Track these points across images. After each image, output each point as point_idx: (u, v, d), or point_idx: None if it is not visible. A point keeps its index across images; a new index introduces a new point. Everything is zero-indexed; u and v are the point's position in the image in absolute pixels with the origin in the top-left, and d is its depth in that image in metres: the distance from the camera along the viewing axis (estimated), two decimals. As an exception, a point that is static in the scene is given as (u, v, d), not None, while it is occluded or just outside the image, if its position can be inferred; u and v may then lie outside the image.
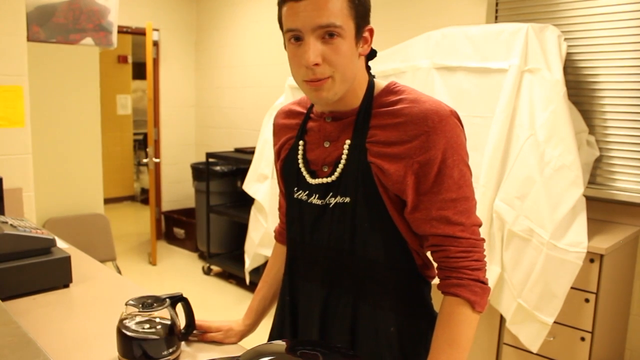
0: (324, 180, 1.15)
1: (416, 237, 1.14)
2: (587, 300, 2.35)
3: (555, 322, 2.32)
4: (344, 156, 1.13)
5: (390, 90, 1.15)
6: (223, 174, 4.78)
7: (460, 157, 1.07)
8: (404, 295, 1.17)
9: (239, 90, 5.32)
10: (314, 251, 1.20)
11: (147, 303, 1.15)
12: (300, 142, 1.22)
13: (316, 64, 1.03)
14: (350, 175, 1.12)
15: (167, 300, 1.18)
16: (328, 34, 1.02)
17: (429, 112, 1.05)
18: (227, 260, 4.72)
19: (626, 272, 2.65)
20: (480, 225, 1.11)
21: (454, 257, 1.07)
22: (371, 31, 1.11)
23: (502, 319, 2.60)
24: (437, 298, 1.16)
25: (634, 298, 2.74)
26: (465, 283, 1.07)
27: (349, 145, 1.13)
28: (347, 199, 1.12)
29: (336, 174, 1.13)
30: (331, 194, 1.14)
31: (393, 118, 1.09)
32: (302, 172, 1.20)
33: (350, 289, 1.16)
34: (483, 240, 1.11)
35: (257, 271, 4.02)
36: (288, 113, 1.32)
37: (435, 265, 1.14)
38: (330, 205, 1.15)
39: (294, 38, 1.05)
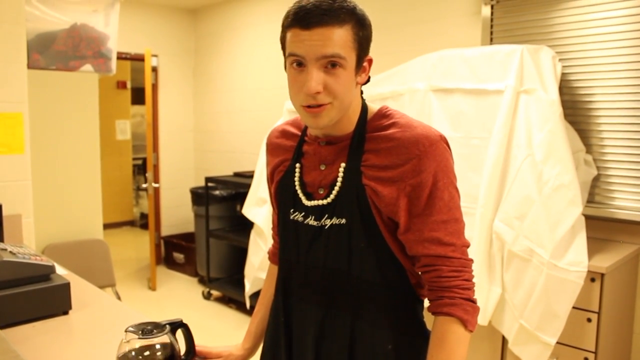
0: (320, 202, 1.17)
1: (408, 258, 1.16)
2: (589, 320, 2.34)
3: (558, 342, 2.30)
4: (339, 179, 1.15)
5: (382, 114, 1.18)
6: (222, 198, 4.78)
7: (450, 180, 1.10)
8: (399, 314, 1.18)
9: (237, 114, 5.35)
10: (310, 272, 1.21)
11: (147, 329, 1.15)
12: (297, 165, 1.24)
13: (317, 92, 1.06)
14: (345, 198, 1.14)
15: (167, 326, 1.18)
16: (331, 64, 1.05)
17: (420, 137, 1.09)
18: (227, 284, 4.69)
19: (628, 291, 2.64)
20: (469, 246, 1.14)
21: (445, 276, 1.10)
22: (370, 61, 1.14)
23: (504, 340, 2.58)
24: (428, 317, 1.17)
25: (636, 316, 2.73)
26: (457, 302, 1.09)
27: (344, 168, 1.15)
28: (343, 220, 1.14)
29: (332, 196, 1.16)
30: (327, 215, 1.16)
31: (386, 142, 1.12)
32: (298, 194, 1.22)
33: (347, 308, 1.17)
34: (472, 260, 1.14)
35: (257, 295, 3.99)
36: (283, 133, 1.33)
37: (426, 286, 1.15)
38: (326, 227, 1.17)
39: (297, 63, 1.07)
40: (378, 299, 1.16)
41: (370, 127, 1.16)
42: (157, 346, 1.15)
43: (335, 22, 1.04)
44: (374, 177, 1.11)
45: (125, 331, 1.14)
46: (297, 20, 1.05)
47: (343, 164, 1.15)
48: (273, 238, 1.44)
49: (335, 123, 1.13)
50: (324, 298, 1.20)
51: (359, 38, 1.08)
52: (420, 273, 1.17)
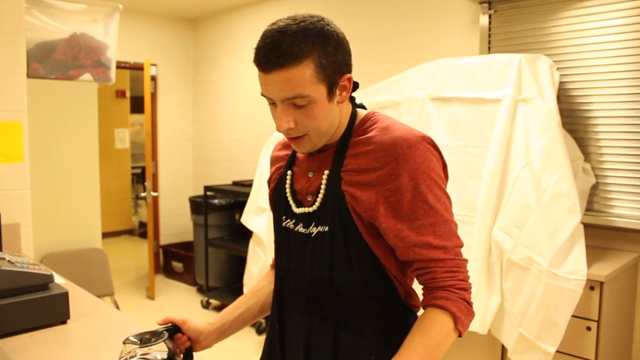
0: (307, 209, 1.18)
1: (396, 263, 1.15)
2: (588, 329, 2.34)
3: (557, 351, 2.30)
4: (322, 186, 1.16)
5: (366, 119, 1.18)
6: (221, 207, 4.77)
7: (434, 181, 1.08)
8: (385, 324, 1.16)
9: (236, 123, 5.36)
10: (298, 280, 1.22)
11: (145, 338, 1.14)
12: (289, 172, 1.26)
13: (288, 129, 1.09)
14: (328, 205, 1.14)
15: (165, 332, 1.17)
16: (296, 103, 1.06)
17: (398, 140, 1.08)
18: (226, 293, 4.68)
19: (627, 299, 2.64)
20: (462, 246, 1.12)
21: (440, 277, 1.08)
22: (349, 79, 1.12)
23: (503, 349, 2.58)
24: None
25: (636, 325, 2.72)
26: (452, 298, 1.06)
27: (327, 175, 1.16)
28: (326, 228, 1.14)
29: (317, 203, 1.16)
30: (313, 223, 1.17)
31: (365, 146, 1.12)
32: (289, 201, 1.23)
33: (331, 317, 1.17)
34: (466, 260, 1.12)
35: (256, 304, 3.98)
36: (284, 145, 1.36)
37: (421, 287, 1.13)
38: (313, 235, 1.17)
39: (269, 101, 1.11)
40: (362, 308, 1.15)
41: (355, 132, 1.17)
42: (158, 356, 1.15)
43: (292, 62, 1.02)
44: (353, 181, 1.11)
45: (124, 343, 1.14)
46: (257, 62, 1.06)
47: (327, 171, 1.16)
48: None
49: None
50: (310, 306, 1.20)
51: (325, 67, 1.05)
52: (415, 277, 1.15)
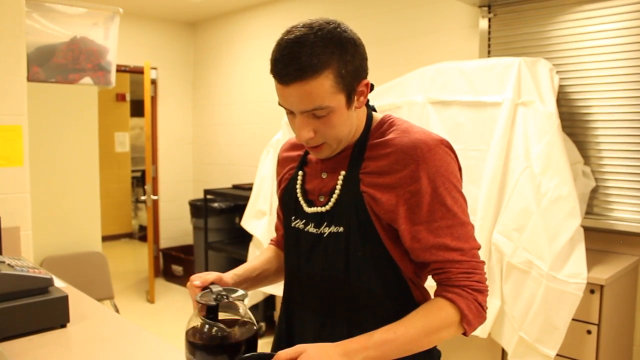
0: (319, 209, 1.18)
1: (412, 266, 1.15)
2: (589, 332, 2.33)
3: (557, 354, 2.29)
4: (338, 186, 1.16)
5: (384, 122, 1.19)
6: (221, 210, 4.77)
7: (452, 184, 1.10)
8: None
9: (236, 127, 5.36)
10: (309, 280, 1.22)
11: (222, 295, 1.06)
12: (300, 173, 1.26)
13: (308, 138, 1.09)
14: (343, 205, 1.14)
15: (239, 289, 1.10)
16: (316, 114, 1.06)
17: (418, 142, 1.08)
18: (225, 297, 4.66)
19: (627, 302, 2.63)
20: (479, 248, 1.12)
21: (455, 277, 1.09)
22: (367, 84, 1.12)
23: (504, 353, 2.57)
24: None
25: (636, 328, 2.72)
26: (465, 295, 1.07)
27: (344, 176, 1.16)
28: (341, 229, 1.14)
29: (330, 203, 1.16)
30: (325, 223, 1.17)
31: (384, 148, 1.12)
32: (299, 201, 1.23)
33: (344, 318, 1.17)
34: (483, 262, 1.12)
35: (256, 308, 3.98)
36: (293, 146, 1.36)
37: (435, 284, 1.14)
38: (325, 235, 1.17)
39: (287, 111, 1.10)
40: (377, 309, 1.15)
41: (373, 135, 1.17)
42: (237, 333, 1.06)
43: (312, 75, 1.01)
44: (372, 183, 1.11)
45: (200, 302, 1.05)
46: (275, 74, 1.05)
47: (343, 172, 1.16)
48: (276, 233, 1.45)
49: None
50: (323, 307, 1.20)
51: (344, 76, 1.04)
52: (430, 276, 1.15)
